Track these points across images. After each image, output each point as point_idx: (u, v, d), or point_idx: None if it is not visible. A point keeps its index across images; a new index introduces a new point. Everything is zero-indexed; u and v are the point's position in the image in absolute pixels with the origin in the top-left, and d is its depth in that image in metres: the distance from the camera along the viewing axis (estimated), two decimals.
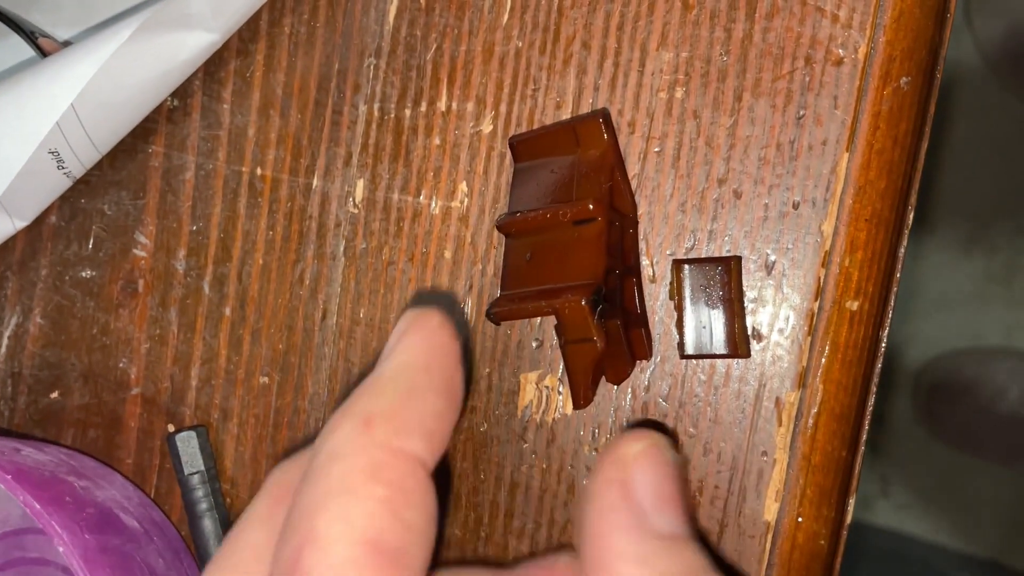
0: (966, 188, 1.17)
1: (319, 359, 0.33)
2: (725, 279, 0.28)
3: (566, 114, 0.30)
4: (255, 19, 0.33)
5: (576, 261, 0.27)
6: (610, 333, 0.27)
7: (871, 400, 0.30)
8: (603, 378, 0.29)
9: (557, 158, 0.29)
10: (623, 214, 0.29)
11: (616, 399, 0.30)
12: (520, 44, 0.31)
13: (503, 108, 0.31)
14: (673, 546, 0.19)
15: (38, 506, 0.27)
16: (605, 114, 0.29)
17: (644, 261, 0.30)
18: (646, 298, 0.29)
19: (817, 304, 0.28)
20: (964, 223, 1.18)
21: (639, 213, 0.30)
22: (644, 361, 0.29)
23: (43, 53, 0.33)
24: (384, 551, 0.17)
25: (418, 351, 0.19)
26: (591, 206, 0.27)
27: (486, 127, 0.31)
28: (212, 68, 0.34)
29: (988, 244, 1.19)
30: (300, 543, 0.17)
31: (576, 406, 0.28)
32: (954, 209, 1.17)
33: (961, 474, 1.21)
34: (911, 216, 0.30)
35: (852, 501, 0.30)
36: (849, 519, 0.30)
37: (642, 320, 0.29)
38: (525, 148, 0.30)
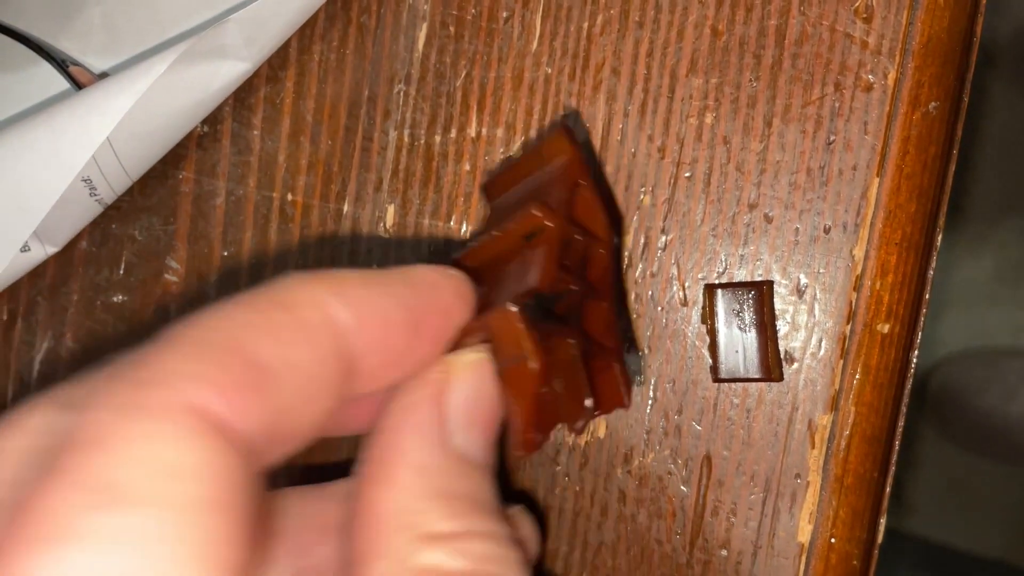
0: (974, 187, 1.17)
1: None
2: (758, 304, 0.28)
3: (595, 140, 0.31)
4: (285, 46, 0.33)
5: (523, 277, 0.23)
6: (560, 358, 0.23)
7: (901, 421, 0.30)
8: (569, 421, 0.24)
9: (524, 182, 0.27)
10: (588, 231, 0.26)
11: (649, 421, 0.30)
12: (550, 70, 0.31)
13: (533, 134, 0.31)
14: (463, 468, 0.18)
15: None
16: (565, 122, 0.27)
17: (675, 286, 0.30)
18: (676, 322, 0.30)
19: (849, 327, 0.29)
20: (972, 223, 1.18)
21: (670, 238, 0.30)
22: (622, 410, 0.25)
23: (75, 82, 0.33)
24: None
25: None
26: (535, 211, 0.23)
27: (516, 153, 0.31)
28: (242, 95, 0.34)
29: (997, 243, 1.19)
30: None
31: (516, 451, 0.21)
32: (963, 208, 1.17)
33: (971, 474, 1.21)
34: (940, 238, 0.30)
35: (883, 521, 0.31)
36: (880, 539, 0.31)
37: (615, 354, 0.25)
38: (497, 186, 0.27)
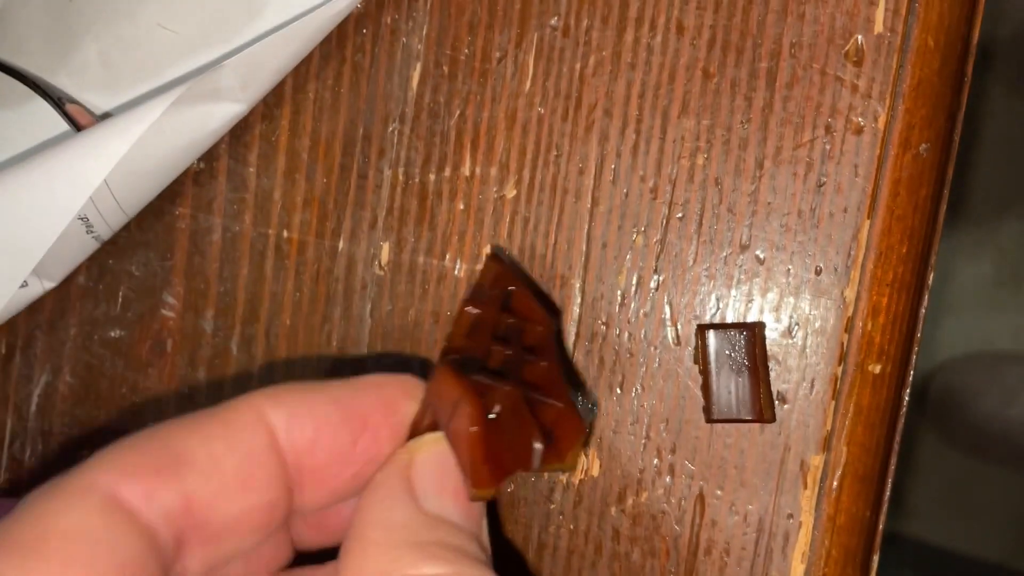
0: (974, 192, 1.17)
1: None
2: (750, 344, 0.28)
3: (588, 180, 0.31)
4: (280, 85, 0.34)
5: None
6: (502, 404, 0.23)
7: (893, 460, 0.31)
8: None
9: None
10: (523, 316, 0.27)
11: (643, 460, 0.30)
12: (542, 111, 0.31)
13: (526, 174, 0.31)
14: (437, 523, 0.18)
15: None
16: (493, 251, 0.30)
17: (668, 326, 0.30)
18: (670, 362, 0.30)
19: (840, 368, 0.29)
20: (972, 227, 1.18)
21: (662, 278, 0.30)
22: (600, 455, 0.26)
23: (72, 120, 0.34)
24: None
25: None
26: (466, 307, 0.26)
27: (509, 192, 0.32)
28: (238, 132, 0.34)
29: (997, 248, 1.19)
30: None
31: (472, 491, 0.21)
32: (962, 213, 1.17)
33: (972, 478, 1.21)
34: (931, 277, 0.30)
35: (876, 559, 0.31)
36: None
37: (564, 402, 0.25)
38: (450, 347, 0.27)
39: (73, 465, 0.35)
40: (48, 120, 0.35)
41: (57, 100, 0.34)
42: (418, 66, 0.32)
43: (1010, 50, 1.13)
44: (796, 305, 0.29)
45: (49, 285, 0.35)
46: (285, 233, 0.34)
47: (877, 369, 0.29)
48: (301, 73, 0.34)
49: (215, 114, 0.31)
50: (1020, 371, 1.16)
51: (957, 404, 1.18)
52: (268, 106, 0.34)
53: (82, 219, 0.33)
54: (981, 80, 1.14)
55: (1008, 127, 1.15)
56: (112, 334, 0.36)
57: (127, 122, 0.29)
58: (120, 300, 0.36)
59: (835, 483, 0.29)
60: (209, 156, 0.35)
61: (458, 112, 0.32)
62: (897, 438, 0.30)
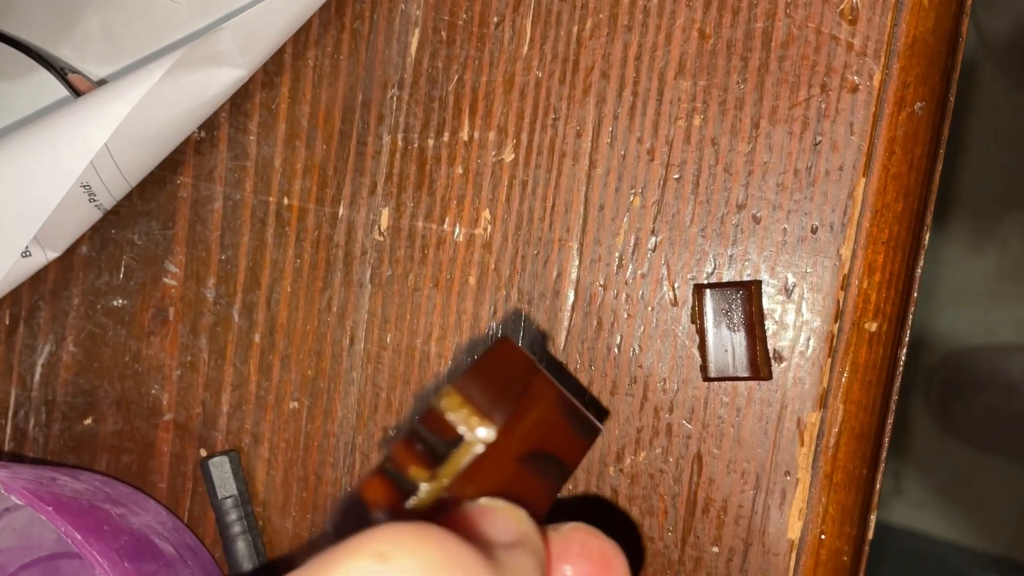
0: (976, 184, 1.17)
1: (347, 384, 0.34)
2: (746, 303, 0.29)
3: (586, 143, 0.31)
4: (279, 52, 0.34)
5: None
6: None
7: (890, 419, 0.31)
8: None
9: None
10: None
11: (640, 419, 0.30)
12: (540, 74, 0.31)
13: (524, 137, 0.32)
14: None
15: (79, 536, 0.28)
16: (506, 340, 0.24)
17: (665, 286, 0.30)
18: (667, 322, 0.30)
19: (837, 326, 0.29)
20: (974, 219, 1.18)
21: (659, 239, 0.30)
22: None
23: (74, 90, 0.34)
24: None
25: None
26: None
27: (508, 156, 0.32)
28: (238, 100, 0.34)
29: (999, 240, 1.19)
30: None
31: None
32: (964, 205, 1.17)
33: (975, 471, 1.21)
34: (927, 237, 0.30)
35: (873, 517, 0.31)
36: (871, 535, 0.31)
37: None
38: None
39: (79, 435, 0.36)
40: (51, 90, 0.36)
41: (59, 70, 0.35)
42: (416, 32, 0.33)
43: (1012, 41, 1.13)
44: (792, 263, 0.29)
45: (52, 255, 0.36)
46: (286, 200, 0.34)
47: (873, 327, 0.29)
48: (300, 40, 0.34)
49: (215, 79, 0.31)
50: (1022, 363, 1.15)
51: (960, 396, 1.18)
52: (268, 74, 0.34)
53: (84, 187, 0.33)
54: (982, 71, 1.14)
55: (1009, 120, 1.15)
56: (115, 303, 0.36)
57: (127, 86, 0.30)
58: (122, 269, 0.36)
59: (832, 440, 0.29)
60: (210, 125, 0.35)
61: (456, 77, 0.32)
62: (894, 397, 0.31)
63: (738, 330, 0.29)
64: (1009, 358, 1.17)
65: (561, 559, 0.18)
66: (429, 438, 0.19)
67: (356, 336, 0.33)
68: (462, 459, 0.19)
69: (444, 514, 0.18)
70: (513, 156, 0.32)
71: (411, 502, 0.19)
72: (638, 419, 0.30)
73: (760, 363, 0.29)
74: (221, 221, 0.35)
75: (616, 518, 0.30)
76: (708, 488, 0.30)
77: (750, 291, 0.29)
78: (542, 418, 0.20)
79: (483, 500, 0.18)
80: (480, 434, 0.19)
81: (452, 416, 0.19)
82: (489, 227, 0.32)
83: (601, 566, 0.19)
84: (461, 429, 0.19)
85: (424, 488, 0.19)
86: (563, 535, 0.19)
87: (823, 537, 0.29)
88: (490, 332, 0.32)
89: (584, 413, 0.21)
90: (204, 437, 0.35)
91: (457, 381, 0.20)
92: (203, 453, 0.35)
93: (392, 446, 0.20)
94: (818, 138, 0.29)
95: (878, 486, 0.31)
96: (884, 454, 0.31)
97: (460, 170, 0.32)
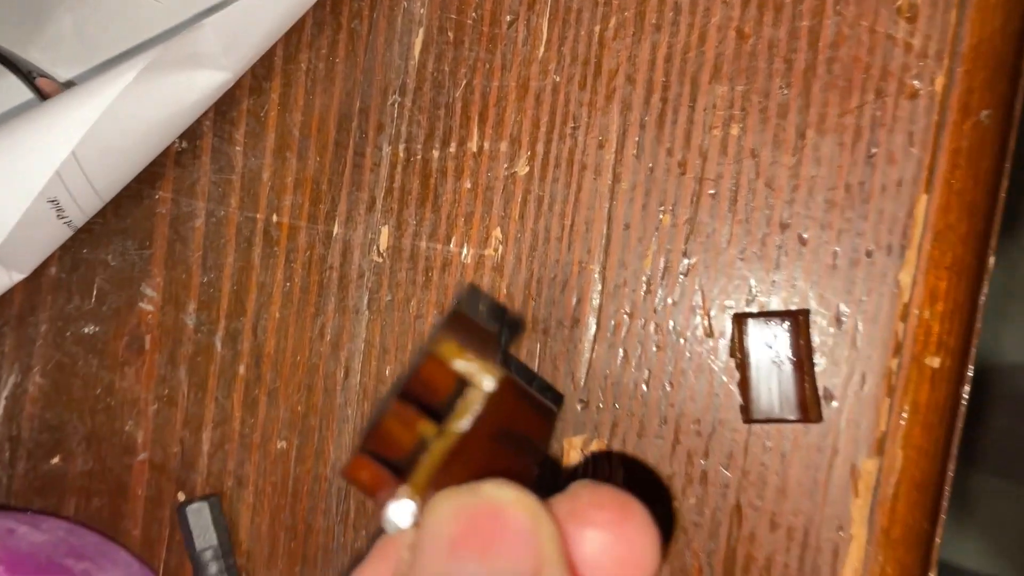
0: None
1: (341, 422, 0.30)
2: (793, 335, 0.25)
3: (609, 155, 0.28)
4: (269, 55, 0.31)
5: None
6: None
7: (952, 465, 0.27)
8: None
9: None
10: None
11: (672, 465, 0.27)
12: (558, 79, 0.28)
13: (540, 148, 0.28)
14: None
15: None
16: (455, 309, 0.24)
17: (699, 315, 0.27)
18: (701, 355, 0.27)
19: (896, 362, 0.26)
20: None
21: (692, 262, 0.27)
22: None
23: (41, 95, 0.31)
24: None
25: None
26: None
27: (521, 169, 0.28)
28: (223, 108, 0.31)
29: (1007, 259, 1.16)
30: None
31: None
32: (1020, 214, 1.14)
33: (985, 495, 1.18)
34: (992, 261, 0.27)
35: None
36: None
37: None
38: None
39: (45, 475, 0.32)
40: (16, 95, 0.33)
41: (27, 74, 0.31)
42: (420, 32, 0.29)
43: None
44: (844, 290, 0.26)
45: (18, 277, 0.32)
46: (275, 217, 0.31)
47: (936, 363, 0.26)
48: (292, 42, 0.31)
49: (196, 82, 0.28)
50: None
51: (970, 418, 1.14)
52: (256, 78, 0.31)
53: (52, 201, 0.30)
54: None
55: None
56: (86, 330, 0.33)
57: (96, 87, 0.26)
58: (95, 293, 0.33)
59: (890, 491, 0.26)
60: (191, 134, 0.32)
61: (464, 82, 0.29)
62: (955, 440, 0.27)
63: (784, 366, 0.25)
64: (1017, 379, 1.14)
65: (574, 519, 0.17)
66: (425, 394, 0.18)
67: (351, 368, 0.30)
68: (471, 406, 0.17)
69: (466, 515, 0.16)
70: (528, 169, 0.28)
71: (423, 463, 0.17)
72: (669, 465, 0.27)
73: (809, 403, 0.25)
74: (203, 240, 0.32)
75: None
76: (749, 545, 0.26)
77: (797, 321, 0.25)
78: (501, 400, 0.19)
79: (488, 487, 0.16)
80: (485, 380, 0.17)
81: (457, 363, 0.18)
82: (500, 248, 0.29)
83: (619, 515, 0.17)
84: (467, 373, 0.18)
85: (437, 446, 0.17)
86: (569, 495, 0.17)
87: None
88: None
89: (535, 395, 0.20)
90: (182, 479, 0.32)
91: (444, 330, 0.18)
92: (181, 497, 0.32)
93: (387, 407, 0.18)
94: (873, 150, 0.26)
95: (937, 541, 0.27)
96: (945, 504, 0.27)
97: (468, 184, 0.29)
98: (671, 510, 0.27)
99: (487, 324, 0.27)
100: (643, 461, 0.27)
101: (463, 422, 0.17)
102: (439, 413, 0.18)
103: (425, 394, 0.18)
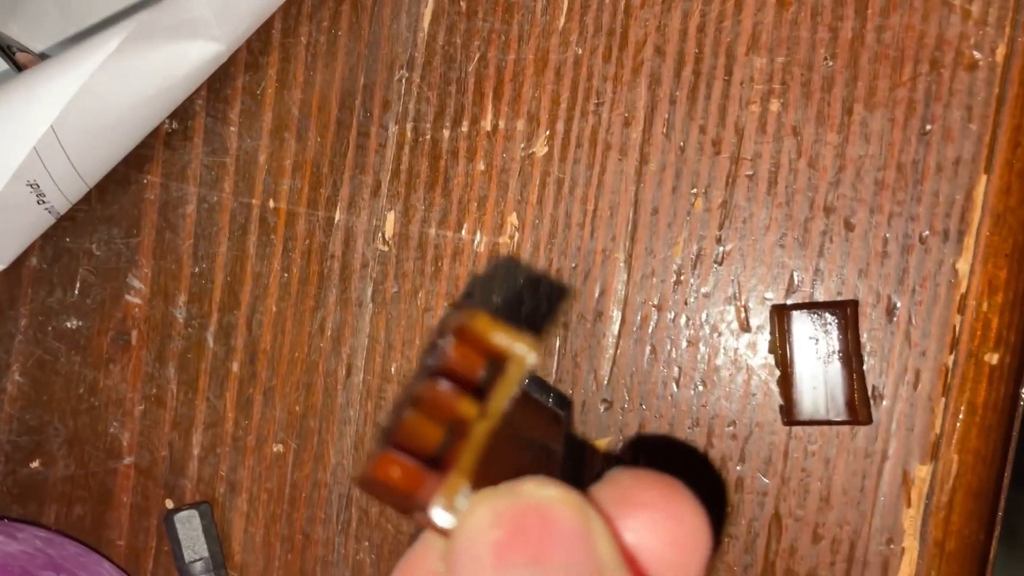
0: None
1: (343, 423, 0.28)
2: (840, 328, 0.23)
3: (636, 133, 0.26)
4: (267, 28, 0.28)
5: None
6: None
7: (1008, 471, 0.25)
8: None
9: None
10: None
11: (704, 472, 0.25)
12: (580, 51, 0.26)
13: (560, 126, 0.26)
14: None
15: None
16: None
17: (734, 307, 0.25)
18: (737, 351, 0.25)
19: (952, 358, 0.23)
20: None
21: (727, 249, 0.25)
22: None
23: (19, 69, 0.29)
24: None
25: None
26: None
27: (540, 149, 0.26)
28: (217, 85, 0.29)
29: None
30: None
31: None
32: None
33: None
34: None
35: None
36: None
37: None
38: None
39: (24, 481, 0.30)
40: None
41: (5, 48, 0.29)
42: (430, 2, 0.27)
43: None
44: (896, 280, 0.24)
45: None
46: (271, 203, 0.29)
47: (994, 359, 0.24)
48: (291, 14, 0.28)
49: (187, 54, 0.26)
50: None
51: None
52: (253, 53, 0.29)
53: (31, 185, 0.28)
54: None
55: None
56: (69, 324, 0.30)
57: (76, 58, 0.24)
58: (78, 285, 0.30)
59: (944, 499, 0.24)
60: (183, 114, 0.29)
61: (478, 55, 0.27)
62: (1012, 445, 0.25)
63: (831, 362, 0.23)
64: None
65: (619, 506, 0.15)
66: (455, 375, 0.16)
67: (354, 366, 0.28)
68: (512, 384, 0.16)
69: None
70: (546, 149, 0.26)
71: (467, 448, 0.15)
72: (700, 470, 0.25)
73: (858, 403, 0.23)
74: (194, 227, 0.29)
75: None
76: (789, 559, 0.24)
77: (845, 313, 0.23)
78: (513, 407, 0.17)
79: (529, 487, 0.14)
80: (529, 353, 0.15)
81: (496, 336, 0.16)
82: (517, 235, 0.26)
83: (666, 493, 0.15)
84: (506, 347, 0.16)
85: (479, 429, 0.15)
86: (609, 482, 0.16)
87: None
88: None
89: (535, 398, 0.19)
90: (171, 485, 0.29)
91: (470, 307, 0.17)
92: (169, 505, 0.29)
93: (415, 390, 0.16)
94: (927, 126, 0.23)
95: (993, 554, 0.25)
96: (1001, 513, 0.25)
97: (482, 166, 0.27)
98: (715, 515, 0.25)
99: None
100: (672, 467, 0.25)
101: (507, 401, 0.15)
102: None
103: (455, 376, 0.16)
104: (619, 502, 0.15)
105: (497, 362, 0.16)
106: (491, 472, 0.15)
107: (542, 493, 0.14)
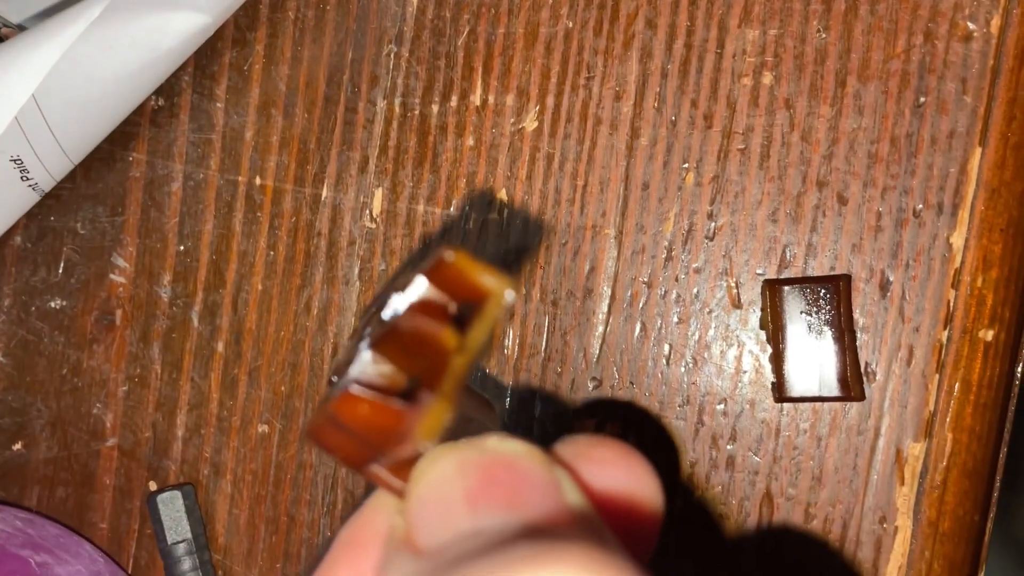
0: None
1: None
2: (833, 303, 0.23)
3: (627, 107, 0.25)
4: (254, 3, 0.28)
5: None
6: None
7: (1003, 451, 0.25)
8: None
9: None
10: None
11: (695, 450, 0.24)
12: (571, 24, 0.26)
13: (550, 101, 0.26)
14: None
15: None
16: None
17: (725, 283, 0.24)
18: (728, 327, 0.24)
19: (946, 334, 0.23)
20: None
21: (719, 224, 0.24)
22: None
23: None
24: None
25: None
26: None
27: (530, 124, 0.26)
28: (203, 61, 0.29)
29: None
30: None
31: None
32: None
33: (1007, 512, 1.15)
34: None
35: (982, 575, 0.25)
36: None
37: None
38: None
39: (6, 463, 0.30)
40: None
41: None
42: None
43: None
44: (889, 254, 0.23)
45: None
46: (258, 180, 0.28)
47: (989, 336, 0.23)
48: None
49: (171, 25, 0.26)
50: None
51: None
52: (240, 29, 0.28)
53: (15, 160, 0.27)
54: None
55: None
56: (52, 304, 0.30)
57: (57, 26, 0.24)
58: (62, 264, 0.30)
59: (938, 478, 0.23)
60: (169, 90, 0.29)
61: (467, 29, 0.26)
62: (1008, 425, 0.25)
63: (823, 338, 0.23)
64: None
65: (577, 462, 0.15)
66: (431, 309, 0.15)
67: (340, 344, 0.27)
68: (490, 321, 0.15)
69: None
70: (536, 124, 0.26)
71: (445, 379, 0.14)
72: (691, 449, 0.24)
73: (851, 379, 0.23)
74: (180, 206, 0.29)
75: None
76: (781, 538, 0.24)
77: (838, 288, 0.23)
78: None
79: (492, 441, 0.14)
80: (507, 292, 0.15)
81: (472, 272, 0.15)
82: (506, 211, 0.26)
83: (622, 452, 0.16)
84: (487, 284, 0.15)
85: (458, 362, 0.14)
86: (566, 443, 0.16)
87: None
88: (505, 340, 0.26)
89: (473, 388, 0.18)
90: (154, 467, 0.29)
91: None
92: (152, 487, 0.29)
93: (388, 321, 0.15)
94: (921, 98, 0.23)
95: (988, 536, 0.25)
96: (995, 495, 0.25)
97: (471, 142, 0.26)
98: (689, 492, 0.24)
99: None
100: (662, 445, 0.25)
101: (485, 336, 0.15)
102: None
103: (431, 310, 0.15)
104: (575, 458, 0.15)
105: (471, 302, 0.15)
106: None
107: (506, 446, 0.14)
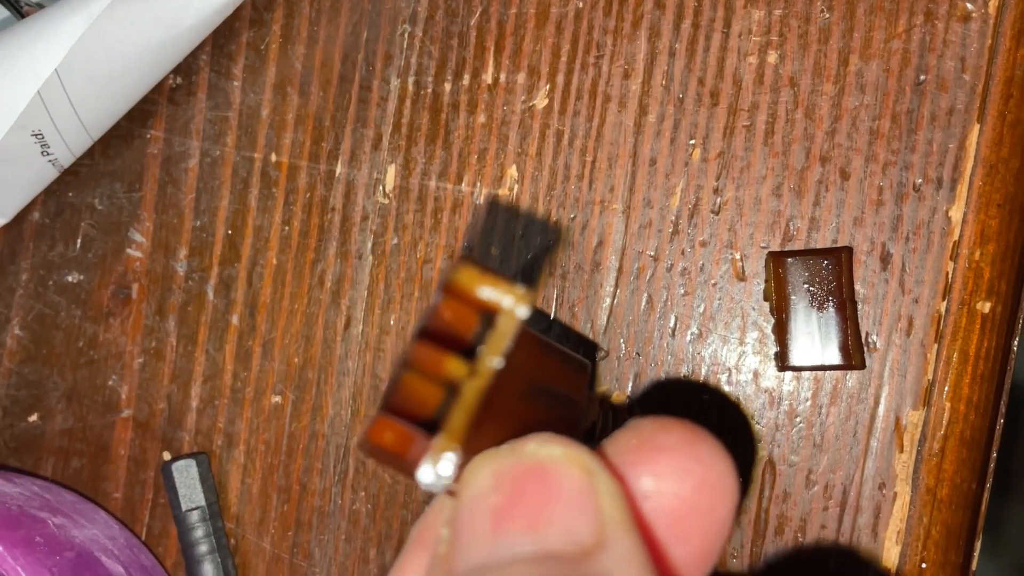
0: None
1: (341, 375, 0.28)
2: (835, 275, 0.23)
3: (635, 85, 0.26)
4: None
5: None
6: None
7: (1000, 421, 0.25)
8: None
9: None
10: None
11: (699, 418, 0.25)
12: (581, 4, 0.26)
13: (560, 79, 0.26)
14: None
15: (1, 548, 0.22)
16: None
17: (730, 255, 0.25)
18: (733, 299, 0.25)
19: (944, 305, 0.24)
20: None
21: (724, 199, 0.25)
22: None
23: (22, 15, 0.29)
24: None
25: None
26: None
27: (540, 101, 0.27)
28: (221, 40, 0.29)
29: None
30: None
31: None
32: None
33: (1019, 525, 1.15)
34: None
35: (978, 544, 0.25)
36: (975, 565, 0.25)
37: None
38: None
39: (22, 434, 0.30)
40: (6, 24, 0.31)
41: (14, 1, 0.29)
42: None
43: None
44: (890, 227, 0.24)
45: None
46: (273, 156, 0.29)
47: (986, 308, 0.24)
48: None
49: (193, 3, 0.26)
50: None
51: None
52: (257, 9, 0.29)
53: (36, 135, 0.28)
54: None
55: None
56: (69, 278, 0.31)
57: (80, 2, 0.24)
58: (80, 239, 0.31)
59: (936, 446, 0.24)
60: (187, 69, 0.30)
61: (480, 9, 0.27)
62: (1004, 397, 0.25)
63: (825, 308, 0.23)
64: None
65: (640, 453, 0.14)
66: (448, 335, 0.15)
67: (353, 317, 0.28)
68: (504, 337, 0.14)
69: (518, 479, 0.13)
70: (546, 102, 0.26)
71: (457, 407, 0.14)
72: (696, 418, 0.25)
73: (852, 348, 0.23)
74: (197, 182, 0.30)
75: None
76: (783, 504, 0.24)
77: (839, 259, 0.23)
78: (526, 355, 0.16)
79: (530, 445, 0.14)
80: (518, 305, 0.15)
81: (482, 291, 0.15)
82: (516, 186, 0.27)
83: (690, 436, 0.14)
84: (494, 299, 0.15)
85: (470, 387, 0.14)
86: (630, 429, 0.15)
87: (924, 566, 0.24)
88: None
89: (561, 347, 0.18)
90: (168, 437, 0.29)
91: (458, 262, 0.15)
92: (166, 456, 0.29)
93: (408, 350, 0.15)
94: (921, 76, 0.24)
95: (985, 505, 0.25)
96: (992, 465, 0.25)
97: (482, 119, 0.27)
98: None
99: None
100: (668, 415, 0.25)
101: (498, 357, 0.15)
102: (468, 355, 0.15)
103: (448, 336, 0.15)
104: (639, 448, 0.14)
105: (491, 317, 0.15)
106: (503, 428, 0.15)
107: (544, 452, 0.13)
